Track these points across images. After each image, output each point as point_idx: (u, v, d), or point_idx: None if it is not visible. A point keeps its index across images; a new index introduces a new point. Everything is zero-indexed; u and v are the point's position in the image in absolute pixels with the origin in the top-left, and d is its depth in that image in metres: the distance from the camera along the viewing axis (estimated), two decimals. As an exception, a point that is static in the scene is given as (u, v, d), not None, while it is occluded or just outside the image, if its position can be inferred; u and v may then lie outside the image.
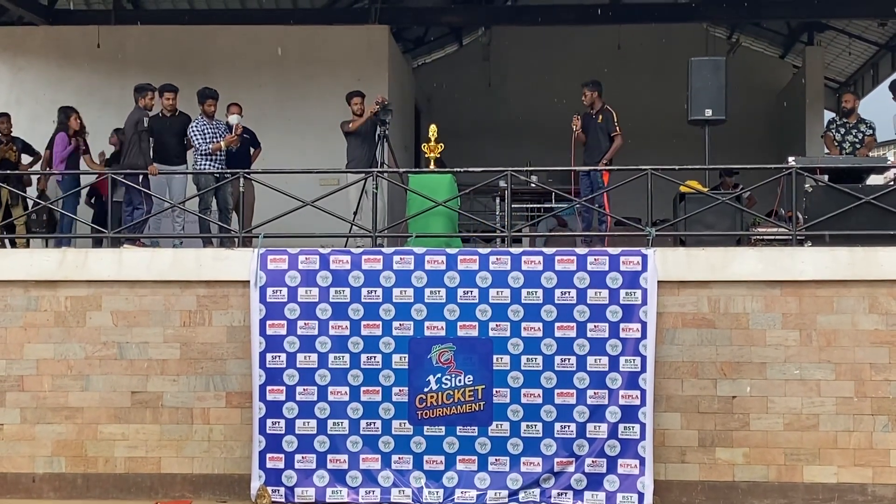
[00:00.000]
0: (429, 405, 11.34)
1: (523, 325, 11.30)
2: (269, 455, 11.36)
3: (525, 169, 13.60)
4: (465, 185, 13.54)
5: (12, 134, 14.86)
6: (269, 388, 11.40)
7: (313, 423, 11.39)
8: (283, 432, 11.37)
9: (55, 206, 14.01)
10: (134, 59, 18.87)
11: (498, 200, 14.78)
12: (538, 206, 14.95)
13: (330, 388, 11.39)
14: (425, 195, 12.36)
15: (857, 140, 13.75)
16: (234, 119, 14.30)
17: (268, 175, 12.94)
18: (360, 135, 14.46)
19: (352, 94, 14.84)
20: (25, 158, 15.06)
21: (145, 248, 12.72)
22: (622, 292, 11.25)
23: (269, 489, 11.28)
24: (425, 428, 11.33)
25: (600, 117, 13.82)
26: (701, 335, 11.33)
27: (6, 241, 13.96)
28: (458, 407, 11.33)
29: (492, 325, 11.33)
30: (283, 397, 11.39)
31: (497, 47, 25.10)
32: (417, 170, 13.28)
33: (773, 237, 12.56)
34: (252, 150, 14.89)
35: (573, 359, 11.23)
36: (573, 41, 23.83)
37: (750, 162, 13.91)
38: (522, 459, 11.23)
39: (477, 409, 11.31)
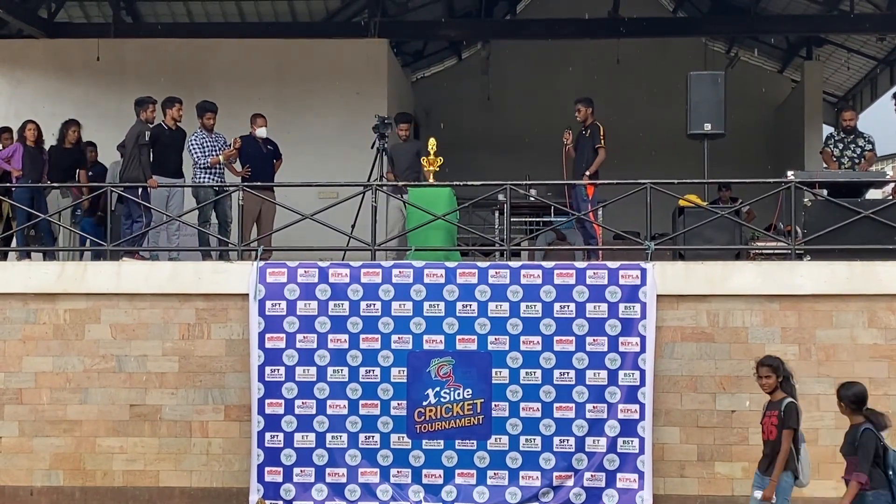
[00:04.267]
0: (427, 419, 11.32)
1: (522, 338, 11.29)
2: (267, 468, 11.35)
3: (524, 183, 13.62)
4: (464, 198, 13.55)
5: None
6: (267, 401, 11.39)
7: (312, 436, 11.37)
8: (281, 446, 11.36)
9: (54, 220, 13.97)
10: (133, 72, 18.92)
11: (497, 214, 14.76)
12: (537, 219, 14.94)
13: (329, 402, 11.38)
14: (424, 208, 12.37)
15: (855, 155, 13.74)
16: (261, 132, 14.31)
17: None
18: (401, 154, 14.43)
19: (400, 118, 14.83)
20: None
21: (144, 261, 12.72)
22: (621, 306, 11.25)
23: (268, 503, 11.26)
24: (424, 442, 11.31)
25: (588, 131, 13.86)
26: (700, 349, 11.33)
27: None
28: (457, 421, 11.31)
29: (491, 338, 11.32)
30: (281, 411, 11.37)
31: (496, 61, 25.13)
32: (416, 183, 13.27)
33: (771, 251, 12.56)
34: (275, 161, 14.87)
35: (572, 373, 11.23)
36: (572, 55, 23.87)
37: (748, 176, 13.91)
38: (521, 473, 11.21)
39: (476, 422, 11.30)
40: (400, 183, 13.60)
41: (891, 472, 8.18)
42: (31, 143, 14.23)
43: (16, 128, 15.13)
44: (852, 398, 8.44)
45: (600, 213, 13.65)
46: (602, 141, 13.71)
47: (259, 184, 13.55)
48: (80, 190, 14.66)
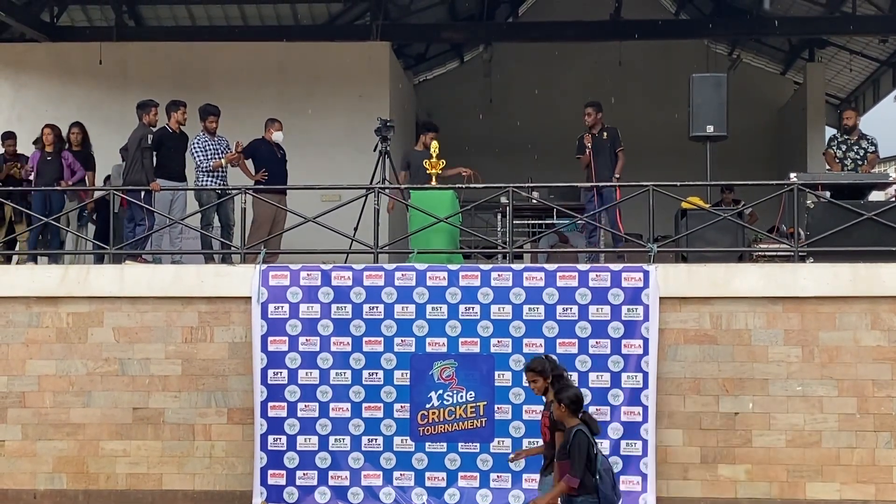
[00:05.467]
0: (430, 421, 11.32)
1: (525, 341, 11.29)
2: (270, 471, 11.35)
3: (527, 185, 13.61)
4: (466, 201, 13.54)
5: (17, 152, 14.87)
6: (270, 404, 11.40)
7: (315, 439, 11.38)
8: (284, 449, 11.36)
9: (57, 223, 13.97)
10: (135, 75, 18.92)
11: (499, 216, 14.77)
12: (540, 222, 14.94)
13: (331, 405, 11.39)
14: (427, 211, 12.37)
15: (858, 157, 13.72)
16: (278, 136, 14.29)
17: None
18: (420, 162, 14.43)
19: (430, 127, 14.84)
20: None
21: (147, 264, 12.72)
22: (624, 308, 11.24)
23: (271, 506, 11.29)
24: (427, 444, 11.31)
25: (605, 135, 13.91)
26: (703, 351, 11.32)
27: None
28: (460, 423, 11.31)
29: (493, 341, 11.32)
30: (284, 413, 11.38)
31: (498, 64, 25.13)
32: (419, 186, 13.26)
33: (774, 253, 12.55)
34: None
35: (575, 375, 11.20)
36: (574, 57, 23.87)
37: (751, 178, 13.92)
38: (524, 476, 11.17)
39: (479, 425, 11.30)
40: (403, 186, 13.59)
41: (597, 477, 8.02)
42: (48, 147, 14.30)
43: (20, 132, 15.19)
44: (573, 399, 8.15)
45: (603, 215, 13.63)
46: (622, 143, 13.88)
47: (263, 187, 13.54)
48: (87, 193, 14.67)
